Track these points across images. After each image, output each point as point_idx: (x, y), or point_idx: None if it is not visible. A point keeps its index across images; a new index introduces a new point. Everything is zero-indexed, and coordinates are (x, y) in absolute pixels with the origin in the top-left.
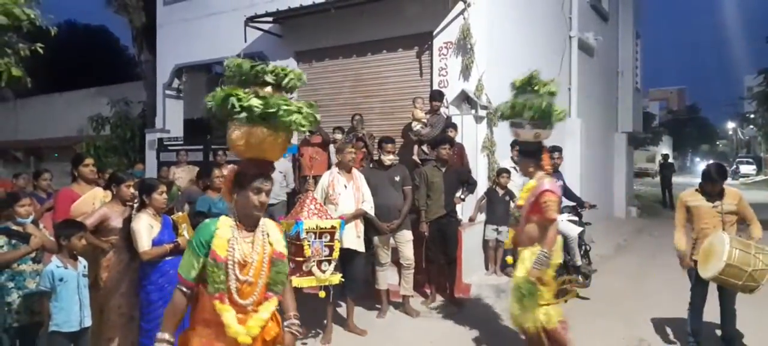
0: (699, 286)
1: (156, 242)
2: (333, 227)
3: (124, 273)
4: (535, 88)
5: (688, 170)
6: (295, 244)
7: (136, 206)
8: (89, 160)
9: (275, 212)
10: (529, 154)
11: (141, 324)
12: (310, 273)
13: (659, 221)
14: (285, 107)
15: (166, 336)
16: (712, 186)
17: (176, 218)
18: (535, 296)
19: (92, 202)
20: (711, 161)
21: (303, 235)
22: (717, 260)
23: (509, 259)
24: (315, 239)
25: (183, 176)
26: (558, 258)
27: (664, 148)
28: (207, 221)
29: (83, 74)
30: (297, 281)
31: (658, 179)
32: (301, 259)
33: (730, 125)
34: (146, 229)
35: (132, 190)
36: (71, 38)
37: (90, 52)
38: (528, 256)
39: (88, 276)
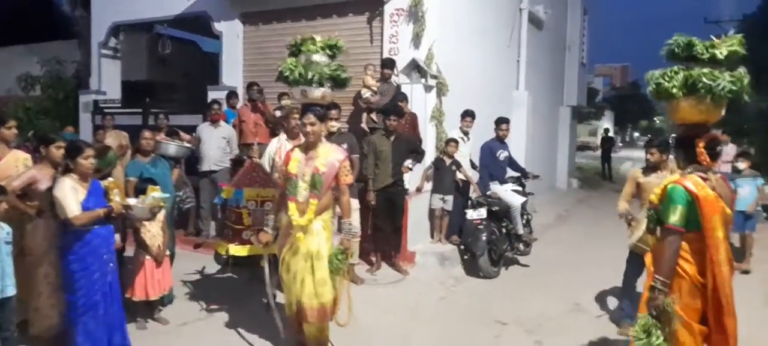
0: (631, 257)
1: (83, 208)
2: (275, 196)
3: (52, 241)
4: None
5: (628, 145)
6: (234, 212)
7: (60, 170)
8: (12, 123)
9: (218, 179)
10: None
11: (66, 296)
12: (249, 242)
13: (599, 192)
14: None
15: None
16: (651, 156)
17: (107, 184)
18: (343, 267)
19: (15, 164)
20: (649, 136)
21: (243, 203)
22: (638, 229)
23: None
24: (256, 207)
25: (110, 141)
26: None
27: (606, 123)
28: None
29: (14, 31)
30: (235, 250)
31: (599, 152)
32: (240, 227)
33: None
34: (71, 193)
35: (62, 152)
36: None
37: (21, 7)
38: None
39: (13, 244)
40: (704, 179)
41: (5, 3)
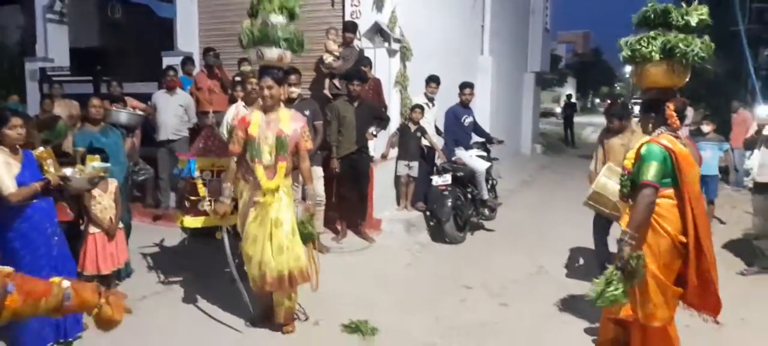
0: (595, 219)
1: (19, 182)
2: (228, 165)
3: None
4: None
5: (589, 111)
6: (189, 182)
7: None
8: None
9: (176, 148)
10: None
11: None
12: (205, 213)
13: (562, 158)
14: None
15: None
16: (612, 125)
17: (39, 154)
18: (313, 233)
19: None
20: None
21: (195, 173)
22: (592, 186)
23: None
24: (212, 177)
25: (59, 111)
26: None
27: (569, 90)
28: None
29: None
30: (189, 221)
31: (562, 119)
32: (195, 198)
33: (628, 69)
34: (4, 168)
35: None
36: None
37: None
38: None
39: None
40: (676, 138)
41: None
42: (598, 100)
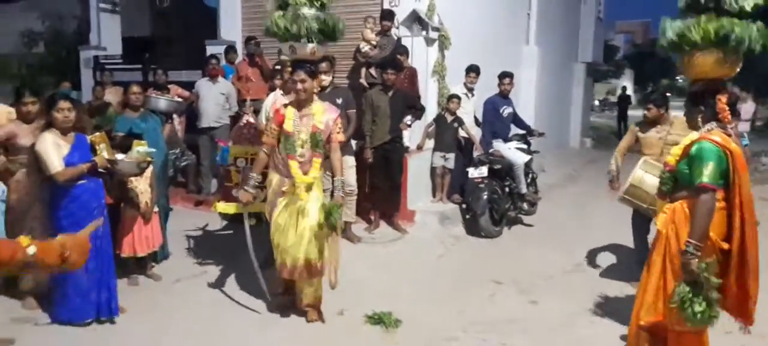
0: (634, 215)
1: (67, 163)
2: (258, 154)
3: (34, 196)
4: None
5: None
6: (225, 169)
7: (41, 125)
8: None
9: (217, 135)
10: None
11: None
12: (238, 199)
13: (612, 152)
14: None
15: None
16: (649, 111)
17: (93, 138)
18: (339, 221)
19: None
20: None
21: (229, 160)
22: (628, 181)
23: None
24: (246, 164)
25: (110, 98)
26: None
27: (626, 81)
28: None
29: None
30: (222, 207)
31: (615, 111)
32: (229, 185)
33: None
34: (53, 148)
35: (32, 107)
36: None
37: None
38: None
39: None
40: (727, 135)
41: None
42: (665, 94)
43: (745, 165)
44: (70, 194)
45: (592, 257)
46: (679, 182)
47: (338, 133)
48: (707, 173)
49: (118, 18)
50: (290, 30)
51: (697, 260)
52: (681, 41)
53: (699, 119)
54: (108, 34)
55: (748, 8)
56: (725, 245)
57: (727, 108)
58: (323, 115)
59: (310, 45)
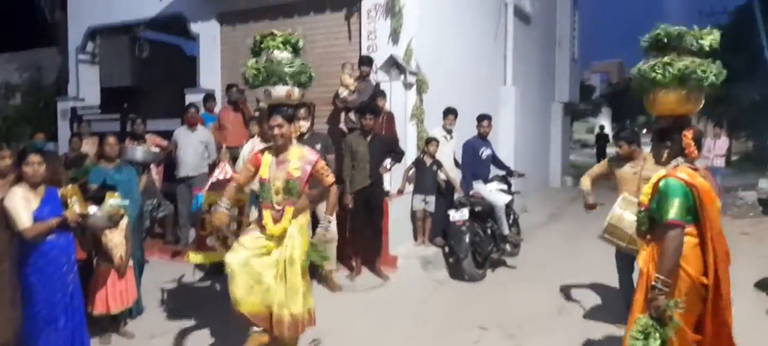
0: (618, 255)
1: (36, 218)
2: (240, 201)
3: (5, 253)
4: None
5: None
6: (199, 217)
7: (12, 179)
8: None
9: (195, 184)
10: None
11: (23, 309)
12: (213, 248)
13: (594, 190)
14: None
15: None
16: (620, 149)
17: (65, 192)
18: (325, 257)
19: None
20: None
21: (203, 208)
22: (608, 218)
23: None
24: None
25: (87, 149)
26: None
27: (603, 120)
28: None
29: None
30: (193, 257)
31: (594, 149)
32: (203, 233)
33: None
34: (22, 203)
35: (7, 161)
36: None
37: (4, 15)
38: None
39: None
40: (694, 170)
41: None
42: (635, 130)
43: (712, 199)
44: (39, 249)
45: (578, 298)
46: (654, 220)
47: (327, 176)
48: (673, 210)
49: (98, 68)
50: (263, 74)
51: (664, 296)
52: (647, 82)
53: (665, 155)
54: (87, 85)
55: (707, 47)
56: (705, 280)
57: (693, 143)
58: (300, 161)
59: (285, 87)
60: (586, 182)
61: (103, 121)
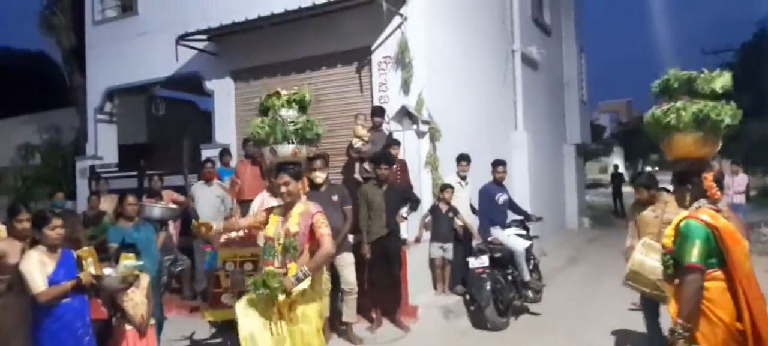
0: (644, 301)
1: (51, 281)
2: (254, 255)
3: (23, 315)
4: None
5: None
6: (213, 274)
7: (28, 242)
8: None
9: (212, 239)
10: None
11: None
12: (229, 306)
13: (611, 230)
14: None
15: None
16: (640, 195)
17: (81, 253)
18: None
19: None
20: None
21: (218, 264)
22: (630, 262)
23: None
24: (235, 268)
25: (105, 206)
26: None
27: (616, 159)
28: None
29: (18, 102)
30: (209, 315)
31: (610, 189)
32: (218, 290)
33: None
34: (37, 267)
35: (25, 224)
36: (6, 65)
37: (26, 78)
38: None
39: None
40: (717, 211)
41: (14, 75)
42: (648, 168)
43: (737, 240)
44: (53, 313)
45: (603, 344)
46: (678, 263)
47: (321, 226)
48: (693, 253)
49: (115, 127)
50: (269, 134)
51: (683, 341)
52: (662, 127)
53: (687, 198)
54: (105, 144)
55: (718, 90)
56: (740, 325)
57: (714, 185)
58: (300, 217)
59: (291, 146)
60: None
61: (121, 179)
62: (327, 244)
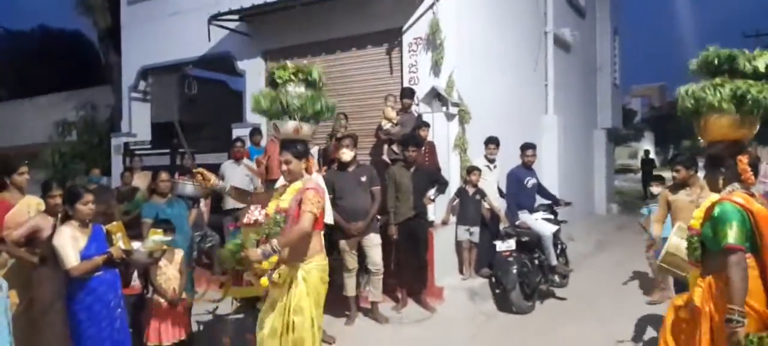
0: (675, 282)
1: (83, 256)
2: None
3: (58, 289)
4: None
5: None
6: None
7: (60, 217)
8: (23, 169)
9: (240, 217)
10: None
11: None
12: (250, 284)
13: (640, 217)
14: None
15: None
16: (677, 173)
17: (110, 228)
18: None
19: (27, 211)
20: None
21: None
22: (667, 246)
23: None
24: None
25: (139, 183)
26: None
27: (646, 145)
28: None
29: (56, 80)
30: (232, 291)
31: (640, 175)
32: (240, 268)
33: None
34: (70, 242)
35: (57, 199)
36: (45, 43)
37: (64, 56)
38: None
39: (22, 294)
40: (751, 196)
41: (52, 54)
42: (693, 156)
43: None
44: (86, 286)
45: (632, 331)
46: (706, 246)
47: (307, 202)
48: (732, 234)
49: (149, 105)
50: (270, 107)
51: (743, 328)
52: (697, 105)
53: (720, 181)
54: (138, 121)
55: (762, 68)
56: None
57: (748, 169)
58: (294, 193)
59: (293, 123)
60: (658, 229)
61: (154, 156)
62: (304, 221)
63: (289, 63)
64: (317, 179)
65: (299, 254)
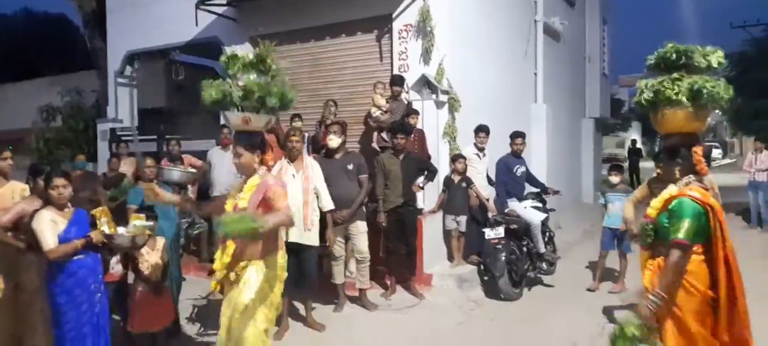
0: None
1: (62, 239)
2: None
3: (44, 274)
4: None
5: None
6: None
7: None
8: (7, 154)
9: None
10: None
11: (53, 331)
12: None
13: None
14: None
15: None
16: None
17: (96, 212)
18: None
19: (11, 196)
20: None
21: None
22: None
23: None
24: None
25: (125, 169)
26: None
27: (634, 134)
28: None
29: (41, 64)
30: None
31: (627, 164)
32: None
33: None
34: (48, 226)
35: (9, 162)
36: (29, 28)
37: (48, 41)
38: None
39: (9, 279)
40: (705, 189)
41: (36, 38)
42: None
43: (723, 217)
44: (66, 269)
45: (618, 316)
46: (659, 233)
47: (277, 200)
48: (683, 230)
49: (135, 91)
50: (222, 99)
51: (652, 310)
52: (656, 98)
53: (676, 172)
54: (124, 107)
55: (715, 64)
56: (712, 293)
57: (703, 160)
58: (252, 190)
59: (241, 114)
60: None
61: (141, 142)
62: (283, 213)
63: (238, 53)
64: (311, 163)
65: (255, 252)
